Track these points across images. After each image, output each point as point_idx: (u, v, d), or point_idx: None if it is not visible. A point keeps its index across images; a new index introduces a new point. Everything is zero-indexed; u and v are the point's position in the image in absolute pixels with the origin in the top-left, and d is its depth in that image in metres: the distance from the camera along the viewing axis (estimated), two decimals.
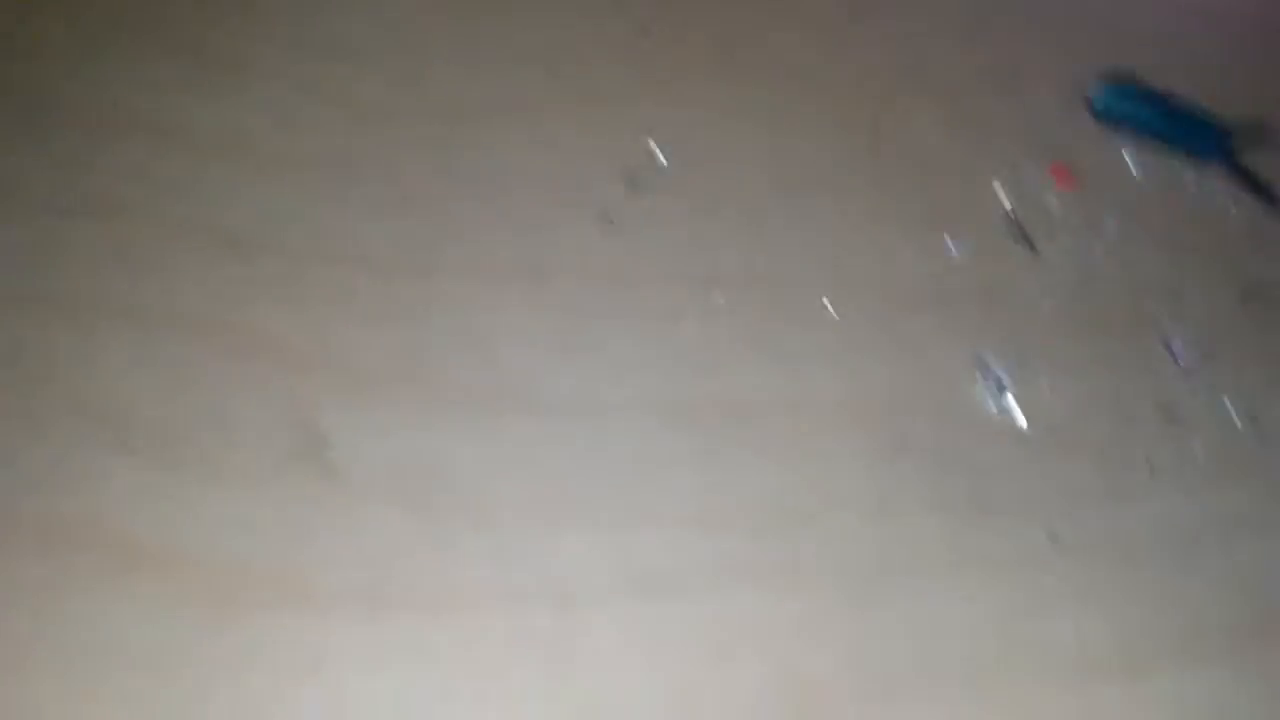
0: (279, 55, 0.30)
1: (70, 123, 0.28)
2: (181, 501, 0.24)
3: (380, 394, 0.26)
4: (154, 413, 0.25)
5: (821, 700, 0.24)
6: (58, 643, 0.23)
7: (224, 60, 0.30)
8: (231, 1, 0.31)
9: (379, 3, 0.32)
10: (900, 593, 0.26)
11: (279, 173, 0.29)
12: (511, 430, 0.26)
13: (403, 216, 0.29)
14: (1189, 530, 0.27)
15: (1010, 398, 0.28)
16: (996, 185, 0.32)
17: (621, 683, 0.24)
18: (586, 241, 0.29)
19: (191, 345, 0.26)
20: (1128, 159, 0.34)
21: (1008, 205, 0.32)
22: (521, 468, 0.26)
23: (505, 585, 0.25)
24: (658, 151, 0.31)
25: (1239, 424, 0.29)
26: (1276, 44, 0.38)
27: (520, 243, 0.29)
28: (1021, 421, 0.28)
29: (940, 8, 0.36)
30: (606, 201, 0.30)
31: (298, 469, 0.25)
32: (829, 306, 0.29)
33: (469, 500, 0.26)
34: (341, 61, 0.31)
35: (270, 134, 0.29)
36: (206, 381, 0.26)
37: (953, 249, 0.31)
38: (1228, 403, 0.29)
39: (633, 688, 0.24)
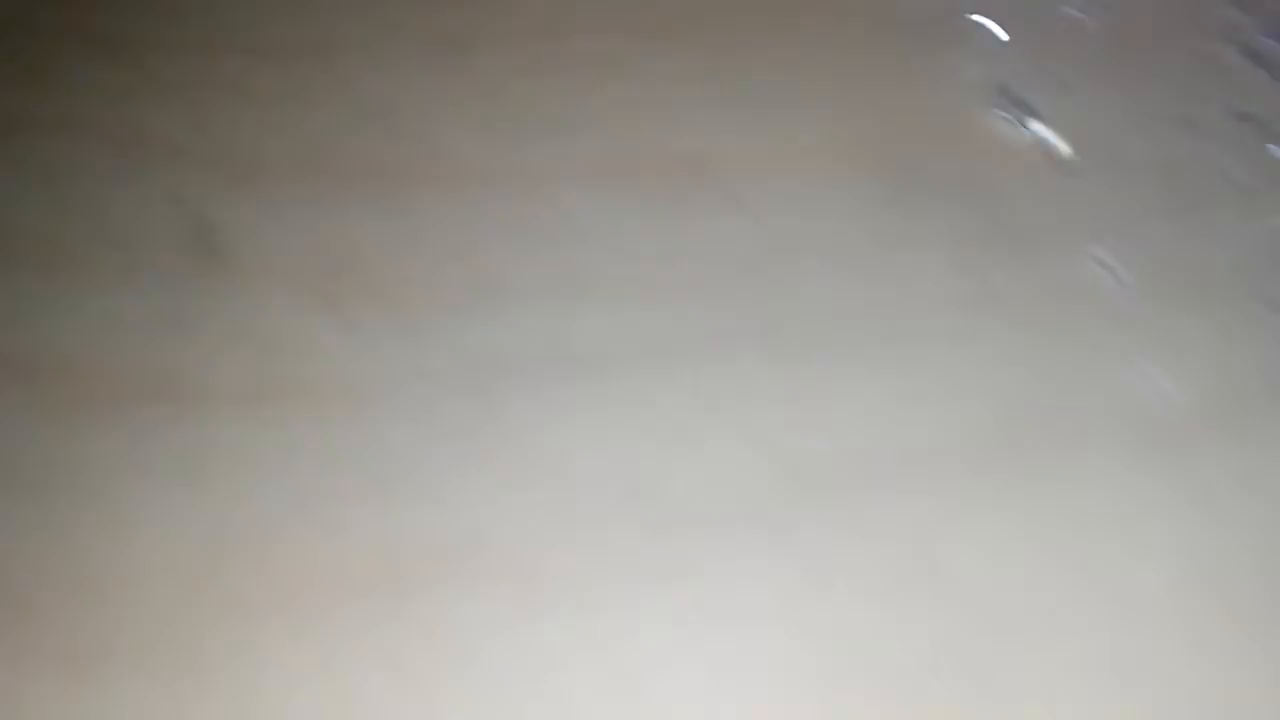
0: None
1: None
2: (55, 306, 0.22)
3: (273, 178, 0.23)
4: (28, 220, 0.23)
5: (808, 486, 0.20)
6: None
7: None
8: None
9: None
10: (905, 353, 0.22)
11: None
12: (421, 205, 0.23)
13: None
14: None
15: (1039, 122, 0.24)
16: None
17: (559, 471, 0.20)
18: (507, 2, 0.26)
19: (73, 150, 0.23)
20: None
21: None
22: (434, 244, 0.22)
23: (415, 369, 0.21)
24: None
25: None
26: None
27: (430, 11, 0.26)
28: (1057, 145, 0.24)
29: None
30: None
31: (181, 262, 0.22)
32: (807, 40, 0.25)
33: (372, 281, 0.22)
34: None
35: None
36: (86, 185, 0.23)
37: None
38: None
39: (575, 478, 0.20)
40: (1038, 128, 0.24)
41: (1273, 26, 0.25)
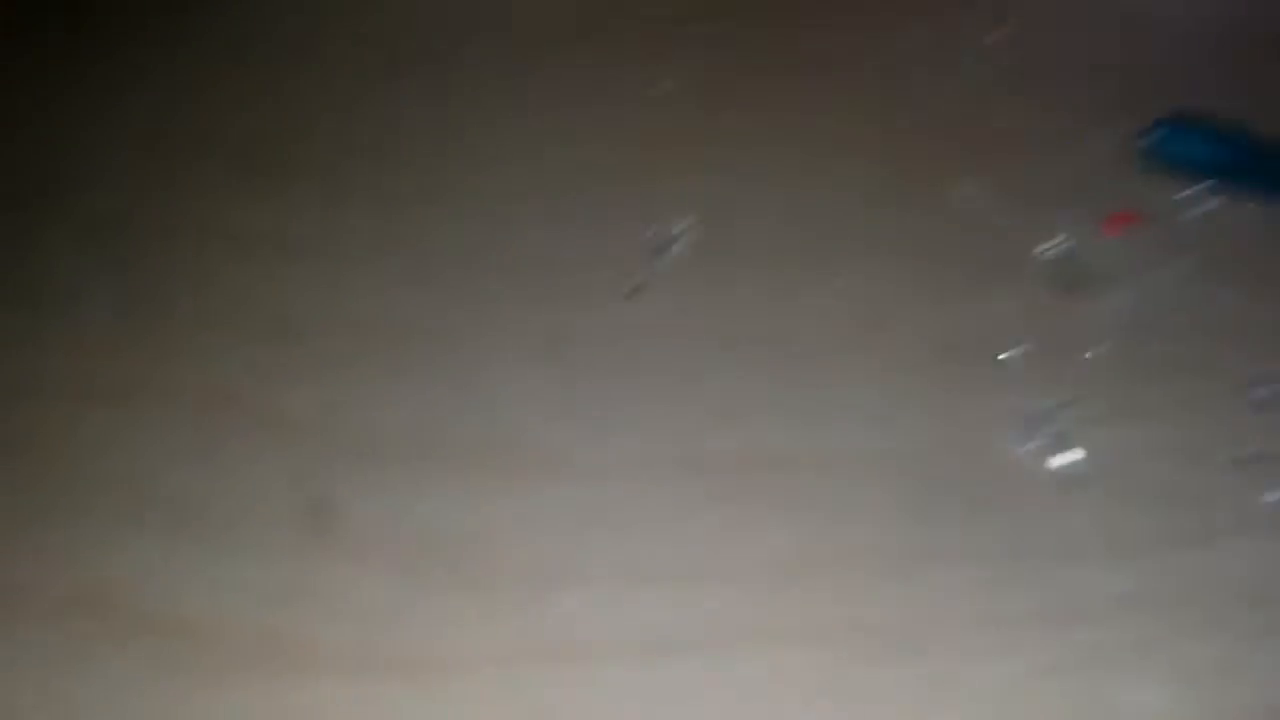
0: (318, 156, 0.33)
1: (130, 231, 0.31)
2: (186, 569, 0.25)
3: (382, 458, 0.27)
4: (167, 486, 0.27)
5: None
6: (63, 713, 0.24)
7: (268, 163, 0.32)
8: (273, 110, 0.34)
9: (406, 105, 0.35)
10: (925, 651, 0.24)
11: (314, 262, 0.31)
12: (515, 492, 0.27)
13: (423, 289, 0.30)
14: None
15: (1059, 448, 0.27)
16: (1047, 239, 0.31)
17: None
18: (606, 309, 0.30)
19: (213, 421, 0.28)
20: (1190, 200, 0.33)
21: (1057, 255, 0.31)
22: (523, 528, 0.26)
23: (497, 646, 0.24)
24: (683, 222, 0.31)
25: None
26: None
27: (538, 311, 0.30)
28: (1072, 469, 0.26)
29: (988, 62, 0.36)
30: (629, 269, 0.30)
31: (301, 534, 0.26)
32: (862, 362, 0.29)
33: (464, 562, 0.26)
34: (374, 157, 0.33)
35: (306, 227, 0.32)
36: (221, 455, 0.27)
37: (998, 302, 0.30)
38: None
39: None
40: (1059, 454, 0.27)
41: (1267, 373, 0.28)
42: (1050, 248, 0.31)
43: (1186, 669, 0.23)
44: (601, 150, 0.34)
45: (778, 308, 0.30)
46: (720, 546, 0.25)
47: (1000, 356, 0.28)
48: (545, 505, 0.26)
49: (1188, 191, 0.32)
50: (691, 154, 0.33)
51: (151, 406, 0.28)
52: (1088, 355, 0.28)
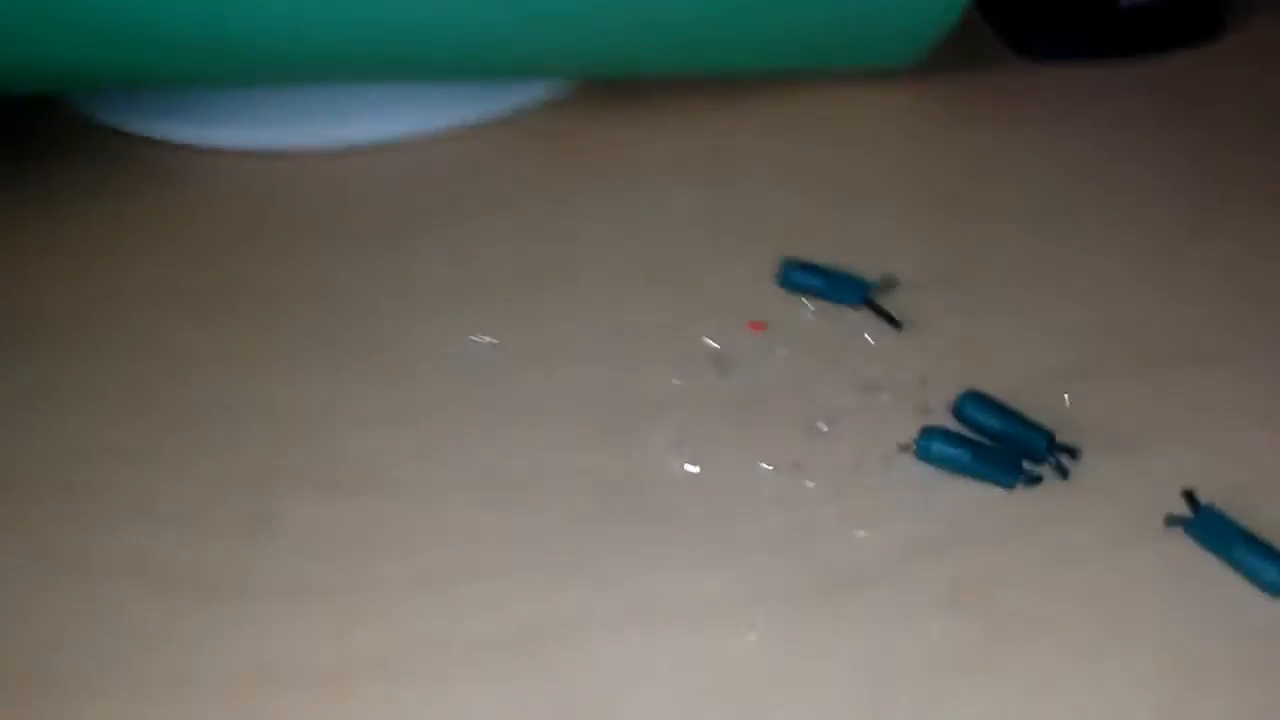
0: None
1: None
2: None
3: None
4: None
5: None
6: None
7: None
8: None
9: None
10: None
11: None
12: None
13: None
14: None
15: (686, 462, 0.44)
16: (705, 339, 0.50)
17: None
18: None
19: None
20: (803, 311, 0.51)
21: (712, 347, 0.49)
22: None
23: None
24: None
25: (843, 465, 0.43)
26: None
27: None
28: (694, 470, 0.43)
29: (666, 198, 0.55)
30: None
31: None
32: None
33: None
34: None
35: None
36: None
37: (675, 380, 0.48)
38: (837, 453, 0.45)
39: None
40: (683, 463, 0.44)
41: (822, 413, 0.46)
42: (712, 340, 0.49)
43: None
44: None
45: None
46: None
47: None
48: None
49: (804, 305, 0.51)
50: None
51: None
52: (719, 409, 0.46)
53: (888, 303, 0.50)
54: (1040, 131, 0.62)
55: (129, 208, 0.53)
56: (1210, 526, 0.40)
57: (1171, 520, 0.41)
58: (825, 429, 0.45)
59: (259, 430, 0.44)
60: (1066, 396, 0.46)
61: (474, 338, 0.49)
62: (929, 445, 0.43)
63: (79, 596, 0.36)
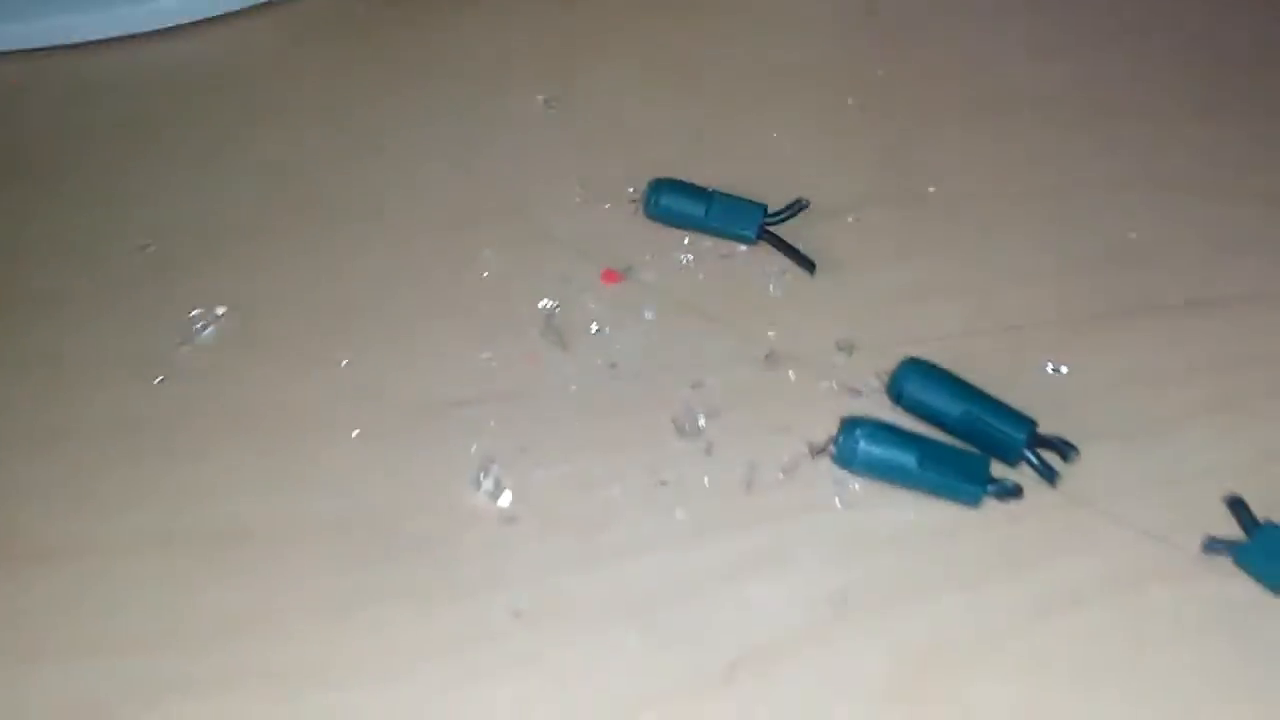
0: None
1: None
2: None
3: None
4: None
5: None
6: None
7: None
8: None
9: None
10: (339, 685, 0.26)
11: None
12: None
13: None
14: (658, 589, 0.27)
15: (504, 489, 0.29)
16: (545, 299, 0.35)
17: None
18: (122, 399, 0.32)
19: None
20: (678, 251, 0.37)
21: (548, 310, 0.35)
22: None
23: None
24: (219, 308, 0.35)
25: (729, 482, 0.29)
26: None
27: (53, 408, 0.32)
28: (506, 506, 0.29)
29: (524, 139, 0.40)
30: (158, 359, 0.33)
31: None
32: (353, 434, 0.32)
33: None
34: None
35: None
36: None
37: (492, 360, 0.34)
38: (722, 464, 0.30)
39: None
40: (500, 492, 0.30)
41: (704, 399, 0.32)
42: (551, 303, 0.35)
43: (554, 677, 0.26)
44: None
45: (288, 384, 0.33)
46: (180, 613, 0.28)
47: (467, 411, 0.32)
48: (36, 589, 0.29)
49: (678, 242, 0.36)
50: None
51: None
52: (556, 400, 0.32)
53: (793, 236, 0.36)
54: None
55: None
56: (1271, 549, 0.27)
57: (1212, 546, 0.28)
58: (703, 424, 0.31)
59: None
60: (1050, 364, 0.32)
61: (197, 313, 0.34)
62: (853, 445, 0.29)
63: None
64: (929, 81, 0.43)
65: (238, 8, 0.46)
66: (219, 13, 0.46)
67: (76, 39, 0.44)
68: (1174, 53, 0.44)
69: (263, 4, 0.46)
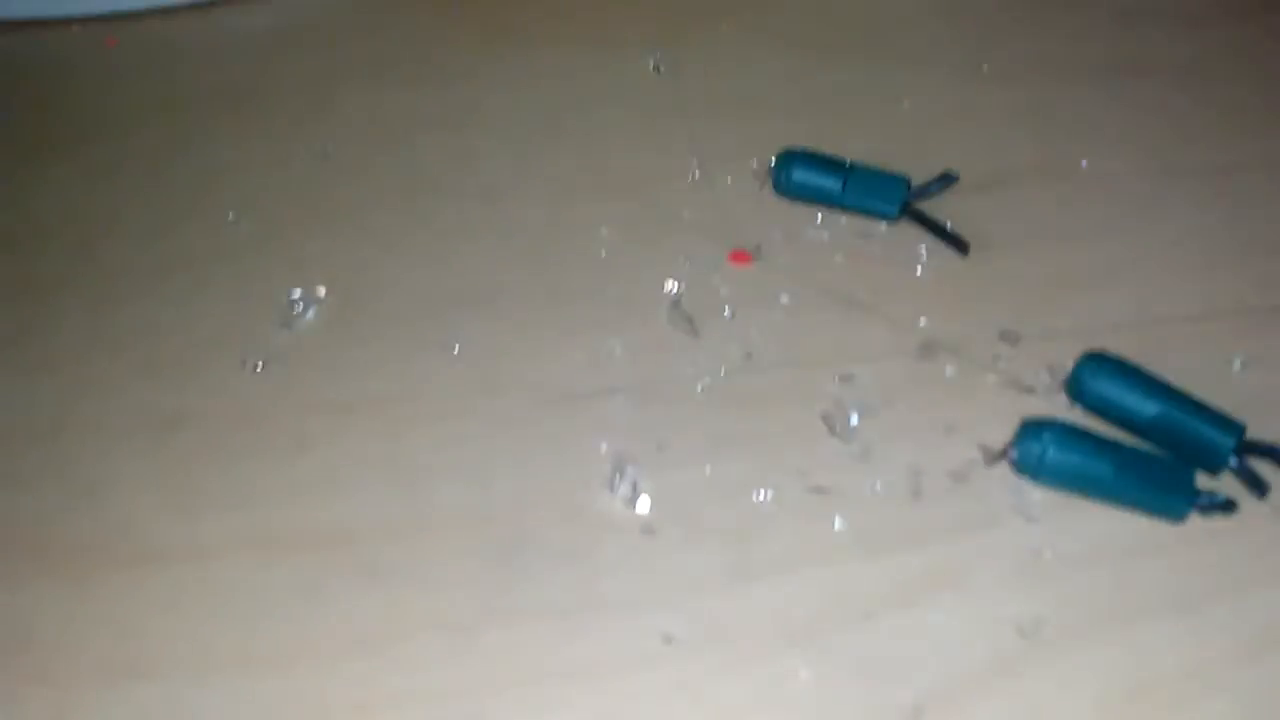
0: None
1: None
2: None
3: None
4: None
5: None
6: None
7: None
8: None
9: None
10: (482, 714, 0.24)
11: None
12: (99, 583, 0.26)
13: (38, 380, 0.30)
14: (822, 612, 0.24)
15: (641, 493, 0.26)
16: (670, 280, 0.32)
17: None
18: (226, 386, 0.30)
19: None
20: (811, 229, 0.34)
21: (674, 294, 0.32)
22: (104, 622, 0.25)
23: None
24: (319, 289, 0.32)
25: (892, 489, 0.26)
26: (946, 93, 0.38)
27: (156, 392, 0.30)
28: (645, 513, 0.26)
29: (633, 107, 0.37)
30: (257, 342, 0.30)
31: None
32: (469, 428, 0.29)
33: (41, 660, 0.25)
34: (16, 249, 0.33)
35: None
36: None
37: (617, 348, 0.31)
38: (882, 468, 0.27)
39: None
40: (641, 501, 0.27)
41: (857, 393, 0.29)
42: (676, 285, 0.32)
43: (719, 713, 0.24)
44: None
45: (396, 373, 0.30)
46: (307, 625, 0.25)
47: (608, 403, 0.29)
48: (141, 595, 0.26)
49: (811, 219, 0.33)
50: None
51: None
52: (690, 393, 0.29)
53: (942, 214, 0.33)
54: None
55: None
56: None
57: None
58: (856, 422, 0.28)
59: None
60: (1239, 359, 0.29)
61: (295, 295, 0.31)
62: (1040, 451, 0.26)
63: None
64: (1067, 46, 0.39)
65: None
66: None
67: (167, 3, 0.42)
68: None
69: None
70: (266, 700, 0.24)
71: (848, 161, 0.33)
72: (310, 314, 0.31)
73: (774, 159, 0.34)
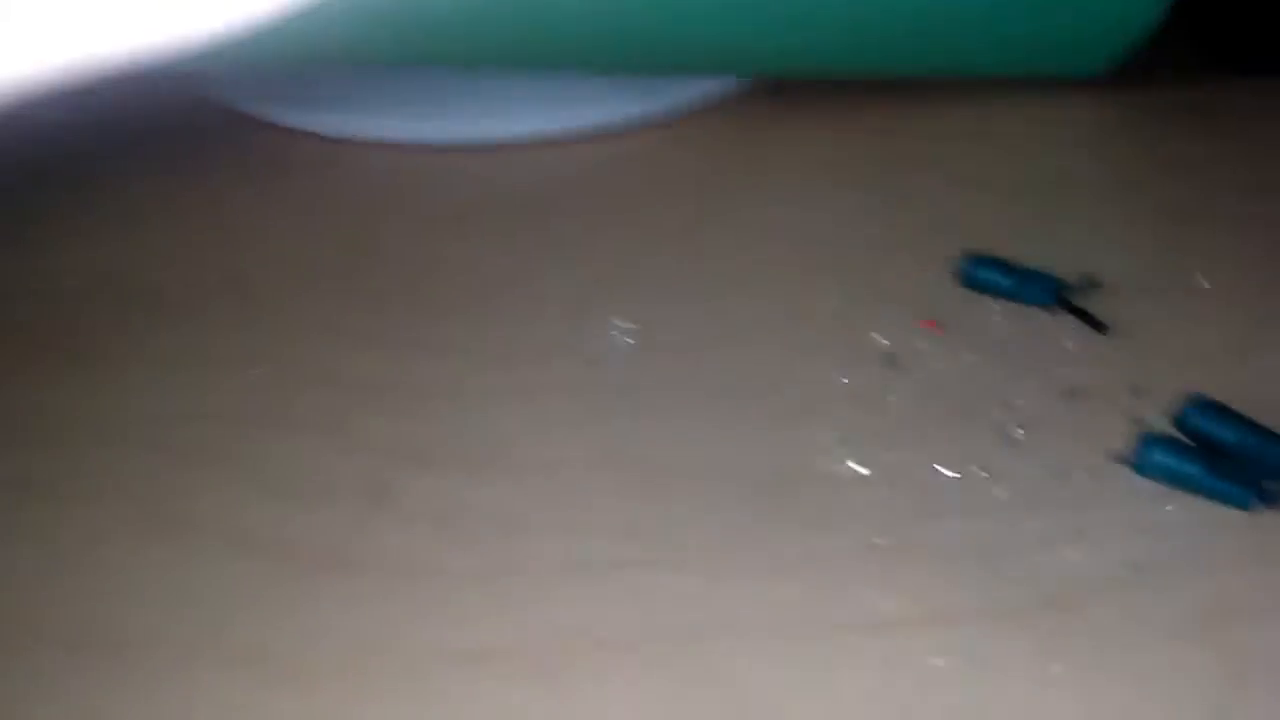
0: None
1: None
2: None
3: None
4: None
5: None
6: None
7: None
8: None
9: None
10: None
11: None
12: None
13: None
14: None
15: (855, 464, 0.38)
16: (875, 335, 0.44)
17: None
18: None
19: None
20: (987, 312, 0.45)
21: (884, 344, 0.44)
22: None
23: None
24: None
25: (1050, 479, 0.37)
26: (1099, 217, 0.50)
27: None
28: (864, 472, 0.38)
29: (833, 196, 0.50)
30: None
31: None
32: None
33: None
34: None
35: None
36: None
37: (842, 378, 0.43)
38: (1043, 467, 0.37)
39: None
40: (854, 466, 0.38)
41: (1018, 418, 0.40)
42: (885, 341, 0.44)
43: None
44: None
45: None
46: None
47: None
48: None
49: (987, 305, 0.45)
50: None
51: None
52: (897, 408, 0.41)
53: (1087, 306, 0.44)
54: (1244, 144, 0.55)
55: (275, 194, 0.51)
56: None
57: None
58: (1021, 434, 0.39)
59: (387, 401, 0.41)
60: None
61: (617, 323, 0.44)
62: (1150, 455, 0.36)
63: (179, 562, 0.33)
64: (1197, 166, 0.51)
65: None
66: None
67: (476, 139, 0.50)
68: None
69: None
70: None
71: (1015, 264, 0.45)
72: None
73: (960, 260, 0.46)
